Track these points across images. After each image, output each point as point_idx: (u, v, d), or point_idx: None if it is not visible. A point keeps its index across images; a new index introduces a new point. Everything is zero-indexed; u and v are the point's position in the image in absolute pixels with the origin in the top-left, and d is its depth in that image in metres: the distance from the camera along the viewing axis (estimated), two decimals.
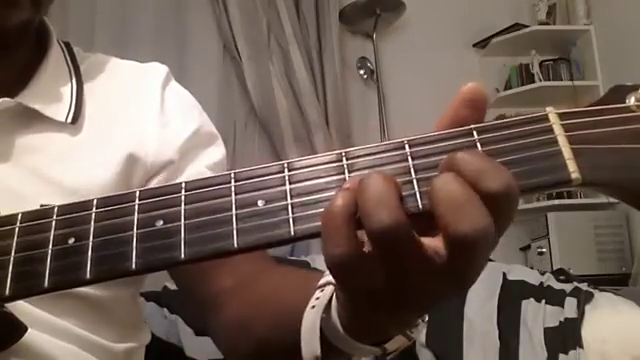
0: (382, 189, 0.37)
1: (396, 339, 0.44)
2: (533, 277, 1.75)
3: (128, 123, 0.76)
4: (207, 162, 0.77)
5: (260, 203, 0.41)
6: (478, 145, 0.40)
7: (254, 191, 0.41)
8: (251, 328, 0.62)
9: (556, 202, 2.92)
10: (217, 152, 0.80)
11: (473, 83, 0.41)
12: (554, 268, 2.51)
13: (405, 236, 0.37)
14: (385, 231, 0.36)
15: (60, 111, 0.73)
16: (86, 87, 0.77)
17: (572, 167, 0.38)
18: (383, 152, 0.41)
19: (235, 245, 0.40)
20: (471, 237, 0.36)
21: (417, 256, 0.38)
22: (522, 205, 2.92)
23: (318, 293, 0.46)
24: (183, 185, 0.43)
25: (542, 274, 1.79)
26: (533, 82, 3.10)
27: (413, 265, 0.38)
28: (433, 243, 0.38)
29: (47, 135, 0.72)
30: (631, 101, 0.39)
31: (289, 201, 0.40)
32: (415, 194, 0.39)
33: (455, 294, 0.40)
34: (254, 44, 2.83)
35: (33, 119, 0.71)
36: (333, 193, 0.40)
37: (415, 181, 0.39)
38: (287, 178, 0.41)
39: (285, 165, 0.42)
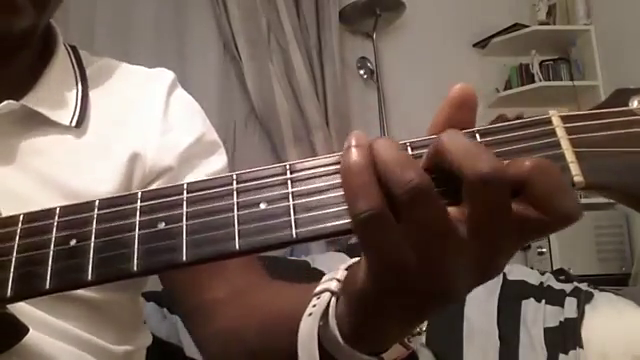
0: (400, 150, 0.38)
1: (394, 349, 0.44)
2: (533, 277, 1.76)
3: (131, 127, 0.76)
4: (207, 171, 0.76)
5: (262, 205, 0.40)
6: None
7: (256, 193, 0.41)
8: (244, 337, 0.62)
9: None
10: (218, 161, 0.79)
11: (461, 84, 0.41)
12: (554, 268, 2.51)
13: (432, 196, 0.37)
14: (415, 188, 0.36)
15: (64, 114, 0.73)
16: (91, 91, 0.77)
17: (575, 170, 0.38)
18: None
19: (237, 247, 0.40)
20: (491, 176, 0.36)
21: (442, 218, 0.37)
22: None
23: (315, 300, 0.45)
24: (185, 187, 0.42)
25: (542, 274, 1.79)
26: (533, 82, 3.10)
27: (438, 228, 0.37)
28: (454, 211, 0.38)
29: (51, 138, 0.72)
30: (634, 104, 0.39)
31: (291, 203, 0.40)
32: None
33: (479, 273, 0.39)
34: (254, 44, 2.83)
35: (37, 122, 0.71)
36: (336, 195, 0.39)
37: None
38: (289, 180, 0.41)
39: (287, 167, 0.42)
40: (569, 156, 0.38)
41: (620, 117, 0.39)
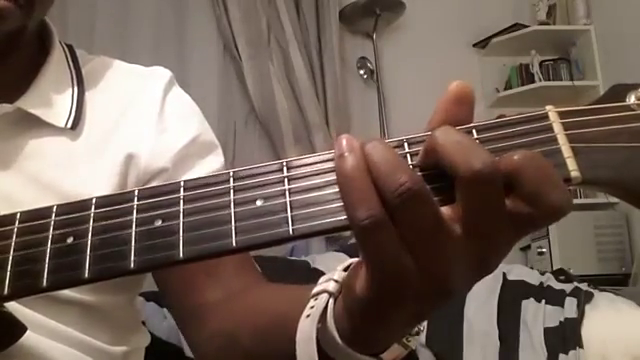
0: (392, 153, 0.37)
1: (393, 348, 0.44)
2: (533, 277, 1.76)
3: (127, 127, 0.75)
4: (203, 171, 0.75)
5: (259, 202, 0.40)
6: None
7: (253, 190, 0.41)
8: (238, 340, 0.61)
9: None
10: (215, 162, 0.77)
11: (458, 81, 0.40)
12: (554, 268, 2.51)
13: (424, 197, 0.37)
14: (406, 192, 0.36)
15: (60, 116, 0.72)
16: (87, 91, 0.76)
17: (572, 165, 0.38)
18: None
19: (234, 244, 0.40)
20: (485, 173, 0.35)
21: (436, 219, 0.37)
22: None
23: (312, 302, 0.45)
24: (182, 184, 0.42)
25: (542, 274, 1.79)
26: (533, 82, 3.10)
27: (433, 230, 0.37)
28: (448, 211, 0.37)
29: (47, 140, 0.71)
30: (631, 100, 0.39)
31: (288, 200, 0.40)
32: None
33: (477, 270, 0.39)
34: (254, 44, 2.83)
35: (33, 124, 0.71)
36: (332, 191, 0.39)
37: None
38: (286, 177, 0.41)
39: (284, 164, 0.41)
40: (566, 151, 0.38)
41: (617, 112, 0.39)
